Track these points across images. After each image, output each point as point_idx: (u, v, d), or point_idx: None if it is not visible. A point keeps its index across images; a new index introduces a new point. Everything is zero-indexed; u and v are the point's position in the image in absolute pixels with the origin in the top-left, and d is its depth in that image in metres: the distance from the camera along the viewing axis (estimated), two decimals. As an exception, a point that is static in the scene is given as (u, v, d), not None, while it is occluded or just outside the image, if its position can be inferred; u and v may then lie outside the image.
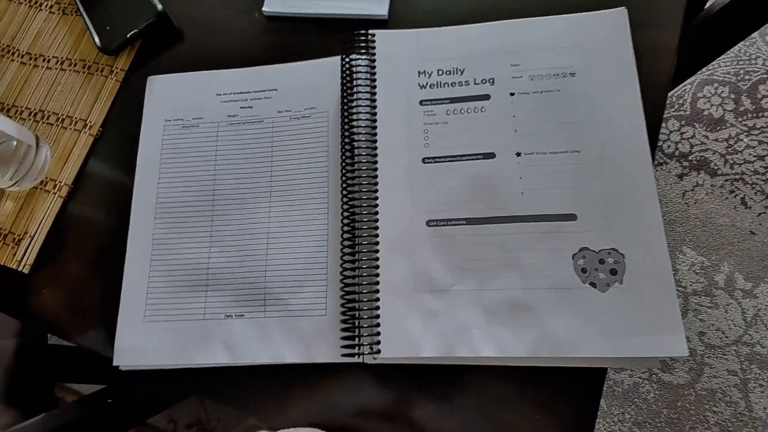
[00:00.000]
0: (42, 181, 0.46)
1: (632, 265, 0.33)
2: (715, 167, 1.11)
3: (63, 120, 0.48)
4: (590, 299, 0.33)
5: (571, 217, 0.35)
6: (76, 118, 0.48)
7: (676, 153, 1.15)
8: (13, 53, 0.51)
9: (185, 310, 0.40)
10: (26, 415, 0.46)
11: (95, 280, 0.43)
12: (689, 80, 1.19)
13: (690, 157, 1.14)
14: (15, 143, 0.44)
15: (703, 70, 1.20)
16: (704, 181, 1.12)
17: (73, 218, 0.45)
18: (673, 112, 1.18)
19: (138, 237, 0.42)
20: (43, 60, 0.50)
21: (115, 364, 0.39)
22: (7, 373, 0.53)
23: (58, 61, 0.50)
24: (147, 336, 0.40)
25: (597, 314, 0.33)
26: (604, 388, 1.04)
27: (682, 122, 1.17)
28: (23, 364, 0.54)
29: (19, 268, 0.44)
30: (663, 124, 1.18)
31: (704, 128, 1.15)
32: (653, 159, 0.35)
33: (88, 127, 0.47)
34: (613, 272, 0.33)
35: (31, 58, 0.51)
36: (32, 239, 0.45)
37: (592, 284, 0.34)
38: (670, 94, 1.19)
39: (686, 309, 1.03)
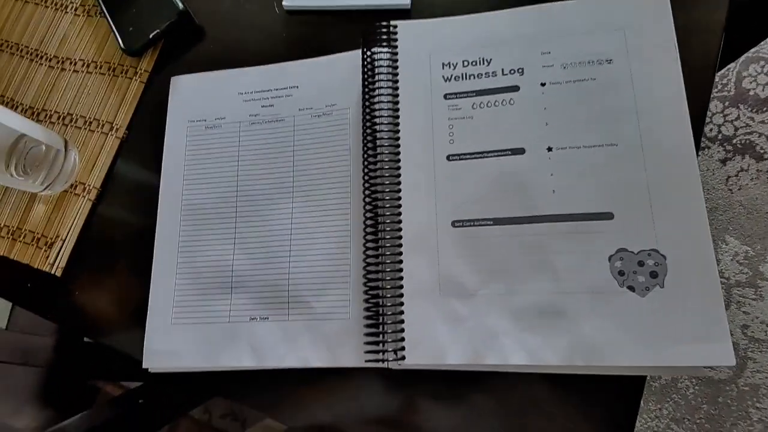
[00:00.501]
0: (72, 185, 0.47)
1: (674, 267, 0.31)
2: (761, 151, 1.05)
3: (90, 123, 0.49)
4: (628, 304, 0.31)
5: (608, 216, 0.33)
6: (102, 120, 0.48)
7: (719, 136, 1.09)
8: (42, 57, 0.52)
9: (211, 313, 0.40)
10: (62, 413, 0.47)
11: (125, 282, 0.44)
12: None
13: (734, 141, 1.07)
14: (44, 148, 0.45)
15: (749, 47, 1.12)
16: (749, 166, 1.05)
17: (102, 221, 0.46)
18: (716, 93, 1.12)
19: (164, 239, 0.43)
20: (70, 63, 0.51)
21: (144, 366, 0.40)
22: (44, 372, 0.54)
23: (84, 64, 0.51)
24: (175, 339, 0.40)
25: (635, 320, 0.31)
26: (641, 383, 1.00)
27: (726, 104, 1.10)
28: (60, 362, 0.56)
29: (52, 271, 0.45)
30: (704, 107, 1.12)
31: (750, 109, 1.08)
32: (698, 151, 0.32)
33: (114, 129, 0.48)
34: (654, 275, 0.31)
35: (58, 62, 0.51)
36: (64, 242, 0.45)
37: (631, 288, 0.32)
38: (712, 75, 1.12)
39: (729, 301, 0.98)
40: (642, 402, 1.02)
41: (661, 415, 0.96)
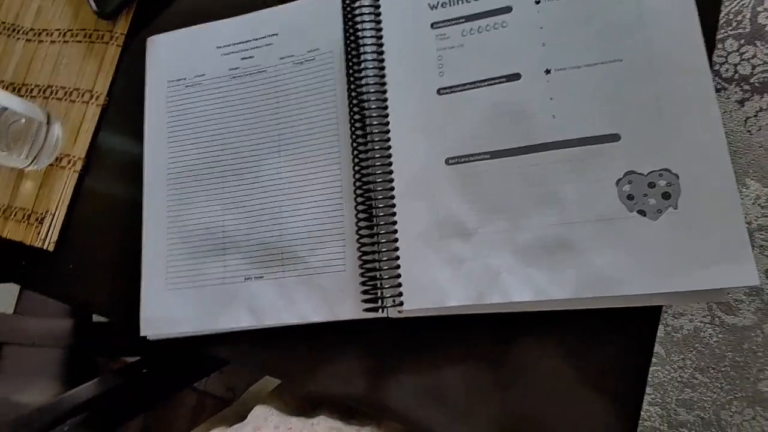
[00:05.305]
0: (57, 158, 0.46)
1: (688, 185, 0.29)
2: (782, 88, 0.99)
3: (71, 93, 0.47)
4: (639, 229, 0.29)
5: (614, 138, 0.30)
6: (82, 89, 0.47)
7: (736, 76, 1.02)
8: (18, 31, 0.50)
9: (205, 276, 0.39)
10: (70, 388, 0.47)
11: (118, 252, 0.43)
12: (748, -8, 1.05)
13: (752, 80, 1.01)
14: (24, 121, 0.43)
15: (765, -22, 1.05)
16: (769, 105, 1.00)
17: (90, 192, 0.45)
18: (731, 30, 1.05)
19: (153, 205, 0.41)
20: (47, 34, 0.49)
21: (142, 334, 0.39)
22: (54, 352, 0.54)
23: (60, 33, 0.49)
24: (170, 304, 0.39)
25: (648, 246, 0.29)
26: (662, 335, 0.98)
27: (741, 41, 1.03)
28: (70, 343, 0.56)
29: (45, 246, 0.44)
30: (720, 45, 1.06)
31: (767, 46, 1.02)
32: (711, 59, 0.29)
33: (94, 97, 0.46)
34: (666, 196, 0.29)
35: (35, 34, 0.50)
36: (53, 216, 0.44)
37: (641, 212, 0.29)
38: (725, 11, 1.06)
39: (752, 245, 0.94)
40: (665, 353, 1.00)
41: (684, 366, 0.94)
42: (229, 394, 1.20)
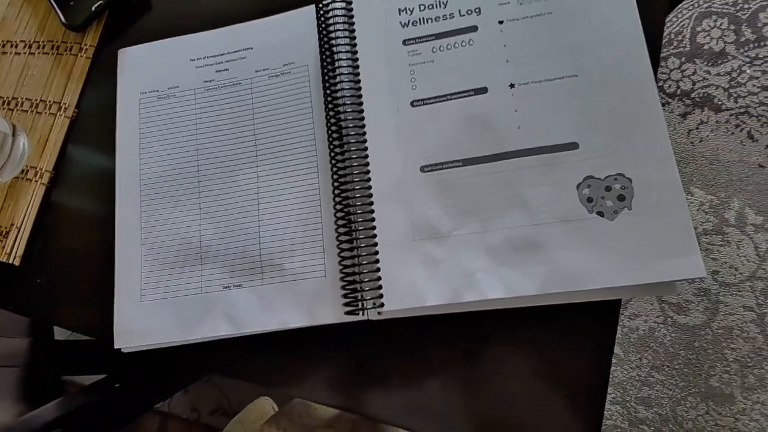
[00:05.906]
0: (23, 170, 0.45)
1: (640, 188, 0.31)
2: (719, 102, 1.08)
3: (37, 105, 0.46)
4: (599, 229, 0.32)
5: (573, 146, 0.33)
6: (49, 101, 0.46)
7: (678, 92, 1.11)
8: (-20, 43, 0.49)
9: (181, 286, 0.39)
10: (36, 408, 0.45)
11: (88, 265, 0.42)
12: (687, 15, 1.15)
13: (692, 95, 1.10)
14: (-12, 133, 0.42)
15: (701, 2, 1.15)
16: (709, 118, 1.08)
17: (58, 205, 0.44)
18: (672, 49, 1.14)
19: (125, 217, 0.41)
20: (11, 46, 0.48)
21: (116, 347, 0.39)
22: (17, 371, 0.52)
23: (26, 45, 0.48)
24: (146, 316, 0.39)
25: (607, 243, 0.31)
26: (619, 336, 1.03)
27: (682, 59, 1.13)
28: (32, 362, 0.54)
29: (10, 261, 0.43)
30: (663, 63, 1.14)
31: (705, 63, 1.11)
32: (656, 75, 0.32)
33: (62, 109, 0.46)
34: (621, 198, 0.32)
35: (-2, 46, 0.49)
36: (19, 230, 0.43)
37: (600, 213, 0.32)
38: (668, 31, 1.15)
39: (698, 249, 1.01)
40: (623, 353, 1.05)
41: (641, 365, 0.99)
42: (194, 414, 1.17)
